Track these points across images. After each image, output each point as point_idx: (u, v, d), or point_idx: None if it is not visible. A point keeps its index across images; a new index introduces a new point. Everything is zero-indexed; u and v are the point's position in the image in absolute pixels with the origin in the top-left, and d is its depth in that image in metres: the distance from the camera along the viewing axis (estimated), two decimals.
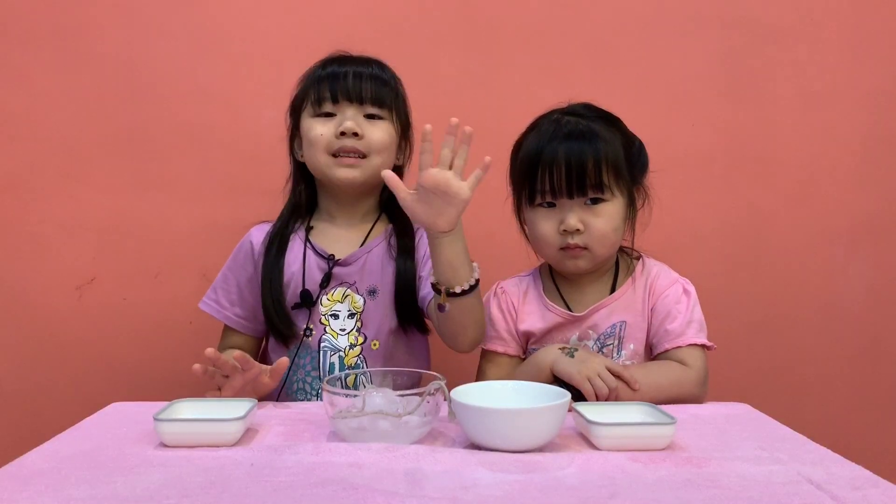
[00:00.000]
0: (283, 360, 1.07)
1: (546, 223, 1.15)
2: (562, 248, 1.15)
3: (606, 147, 1.12)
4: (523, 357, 1.23)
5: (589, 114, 1.17)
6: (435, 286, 1.12)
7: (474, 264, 1.14)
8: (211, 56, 1.59)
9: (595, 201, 1.13)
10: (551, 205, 1.15)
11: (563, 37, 1.62)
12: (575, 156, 1.11)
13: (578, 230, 1.12)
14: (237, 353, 1.05)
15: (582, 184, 1.11)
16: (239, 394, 1.05)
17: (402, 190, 1.07)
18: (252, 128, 1.56)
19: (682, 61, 1.63)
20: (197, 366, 1.02)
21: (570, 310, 1.20)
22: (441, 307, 1.12)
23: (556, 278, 1.24)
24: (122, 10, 1.58)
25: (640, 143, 1.20)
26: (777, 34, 1.63)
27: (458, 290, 1.10)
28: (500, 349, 1.22)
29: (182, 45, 1.59)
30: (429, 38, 1.61)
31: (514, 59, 1.62)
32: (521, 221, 1.23)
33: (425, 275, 1.24)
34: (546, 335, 1.20)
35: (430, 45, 1.61)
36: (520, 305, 1.23)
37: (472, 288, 1.11)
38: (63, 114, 1.59)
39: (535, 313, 1.22)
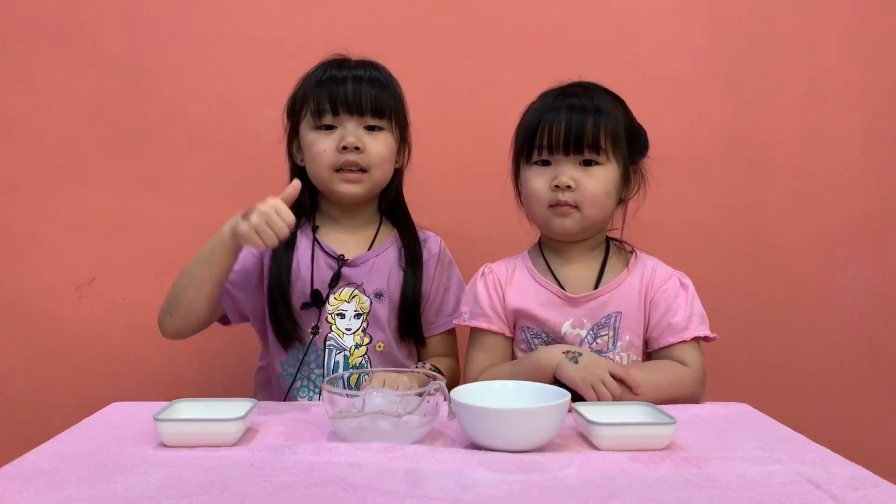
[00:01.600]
0: (296, 183, 1.08)
1: (539, 179, 1.16)
2: (551, 206, 1.16)
3: (607, 117, 1.15)
4: (510, 336, 1.22)
5: (595, 89, 1.19)
6: None
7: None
8: (211, 56, 1.59)
9: (589, 163, 1.15)
10: (546, 163, 1.17)
11: (563, 37, 1.62)
12: (576, 116, 1.14)
13: (570, 187, 1.14)
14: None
15: (579, 142, 1.13)
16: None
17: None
18: (252, 128, 1.57)
19: (682, 61, 1.63)
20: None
21: (561, 287, 1.19)
22: None
23: (545, 255, 1.24)
24: (122, 10, 1.58)
25: (643, 130, 1.21)
26: (777, 34, 1.63)
27: None
28: (483, 325, 1.20)
29: (182, 45, 1.59)
30: (429, 38, 1.61)
31: (514, 59, 1.62)
32: (518, 190, 1.24)
33: (435, 304, 1.32)
34: (537, 318, 1.18)
35: (430, 45, 1.61)
36: (506, 284, 1.22)
37: None
38: (63, 114, 1.59)
39: (522, 288, 1.21)
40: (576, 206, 1.15)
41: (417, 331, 1.31)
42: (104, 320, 1.60)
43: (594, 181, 1.14)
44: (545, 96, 1.20)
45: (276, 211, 1.04)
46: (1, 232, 1.59)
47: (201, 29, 1.59)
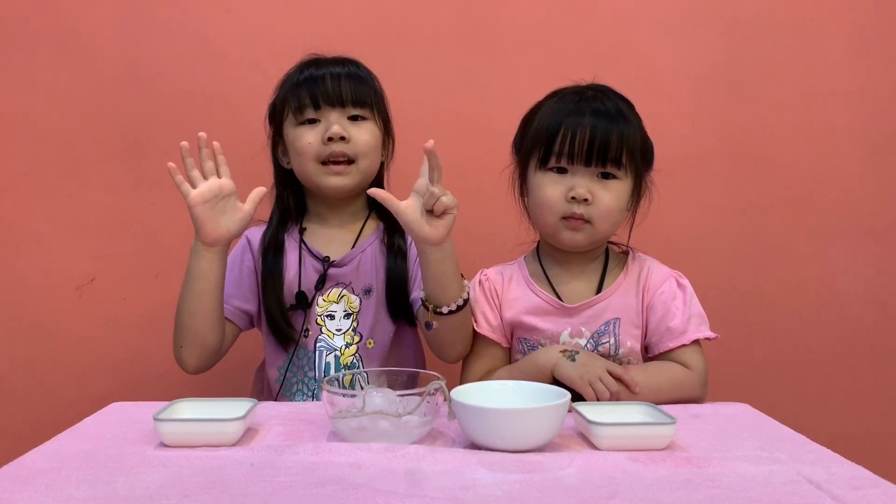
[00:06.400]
0: (261, 189, 1.15)
1: (554, 188, 1.13)
2: (564, 218, 1.13)
3: (629, 128, 1.12)
4: (507, 347, 1.21)
5: (612, 94, 1.17)
6: (423, 302, 1.13)
7: (465, 282, 1.15)
8: (211, 56, 1.59)
9: (606, 176, 1.12)
10: (562, 171, 1.13)
11: (563, 37, 1.62)
12: (601, 126, 1.10)
13: (586, 200, 1.11)
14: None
15: (603, 154, 1.10)
16: (206, 201, 1.10)
17: (394, 202, 1.07)
18: (252, 128, 1.56)
19: (682, 61, 1.63)
20: (184, 143, 1.12)
21: (558, 297, 1.18)
22: (428, 325, 1.14)
23: (544, 263, 1.22)
24: (122, 10, 1.58)
25: (650, 142, 1.19)
26: (777, 34, 1.63)
27: (444, 310, 1.11)
28: (486, 332, 1.19)
29: (182, 45, 1.59)
30: (428, 37, 1.61)
31: (514, 59, 1.62)
32: (522, 194, 1.21)
33: (417, 277, 1.24)
34: (534, 329, 1.17)
35: (430, 45, 1.61)
36: (503, 294, 1.21)
37: (461, 308, 1.12)
38: (63, 114, 1.59)
39: (519, 299, 1.19)
40: (588, 221, 1.12)
41: (410, 317, 1.28)
42: (104, 320, 1.60)
43: (611, 196, 1.12)
44: (563, 98, 1.16)
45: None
46: (1, 232, 1.59)
47: (201, 29, 1.59)
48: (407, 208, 1.06)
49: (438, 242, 1.06)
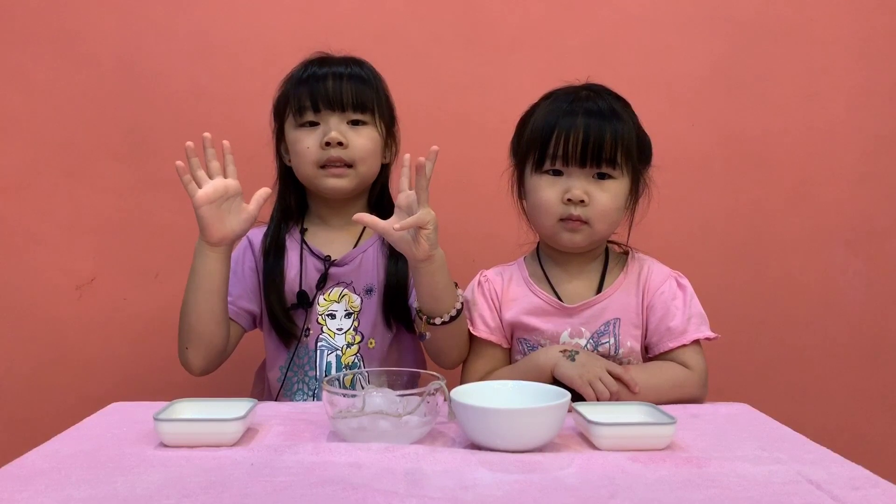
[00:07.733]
0: (265, 189, 1.15)
1: (550, 190, 1.13)
2: (561, 220, 1.13)
3: (623, 126, 1.12)
4: (507, 348, 1.21)
5: (606, 93, 1.16)
6: (418, 313, 1.14)
7: (458, 291, 1.15)
8: (210, 56, 1.60)
9: (602, 176, 1.12)
10: (558, 173, 1.13)
11: (563, 37, 1.62)
12: (594, 127, 1.10)
13: (583, 201, 1.11)
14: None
15: (597, 155, 1.10)
16: (212, 201, 1.10)
17: (379, 224, 1.07)
18: (251, 128, 1.56)
19: (682, 61, 1.63)
20: (190, 143, 1.11)
21: (558, 297, 1.18)
22: (421, 336, 1.15)
23: (543, 264, 1.22)
24: (122, 10, 1.59)
25: (648, 138, 1.19)
26: (777, 34, 1.63)
27: (438, 321, 1.12)
28: (483, 335, 1.19)
29: (182, 45, 1.59)
30: (428, 38, 1.61)
31: (514, 59, 1.62)
32: (521, 196, 1.21)
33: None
34: (534, 329, 1.17)
35: (430, 45, 1.61)
36: (503, 293, 1.21)
37: (454, 318, 1.12)
38: (63, 114, 1.59)
39: (519, 299, 1.19)
40: (586, 222, 1.12)
41: (408, 320, 1.28)
42: (104, 320, 1.60)
43: (607, 196, 1.12)
44: (556, 99, 1.16)
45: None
46: (1, 232, 1.59)
47: (201, 29, 1.59)
48: (390, 227, 1.06)
49: (425, 258, 1.07)
